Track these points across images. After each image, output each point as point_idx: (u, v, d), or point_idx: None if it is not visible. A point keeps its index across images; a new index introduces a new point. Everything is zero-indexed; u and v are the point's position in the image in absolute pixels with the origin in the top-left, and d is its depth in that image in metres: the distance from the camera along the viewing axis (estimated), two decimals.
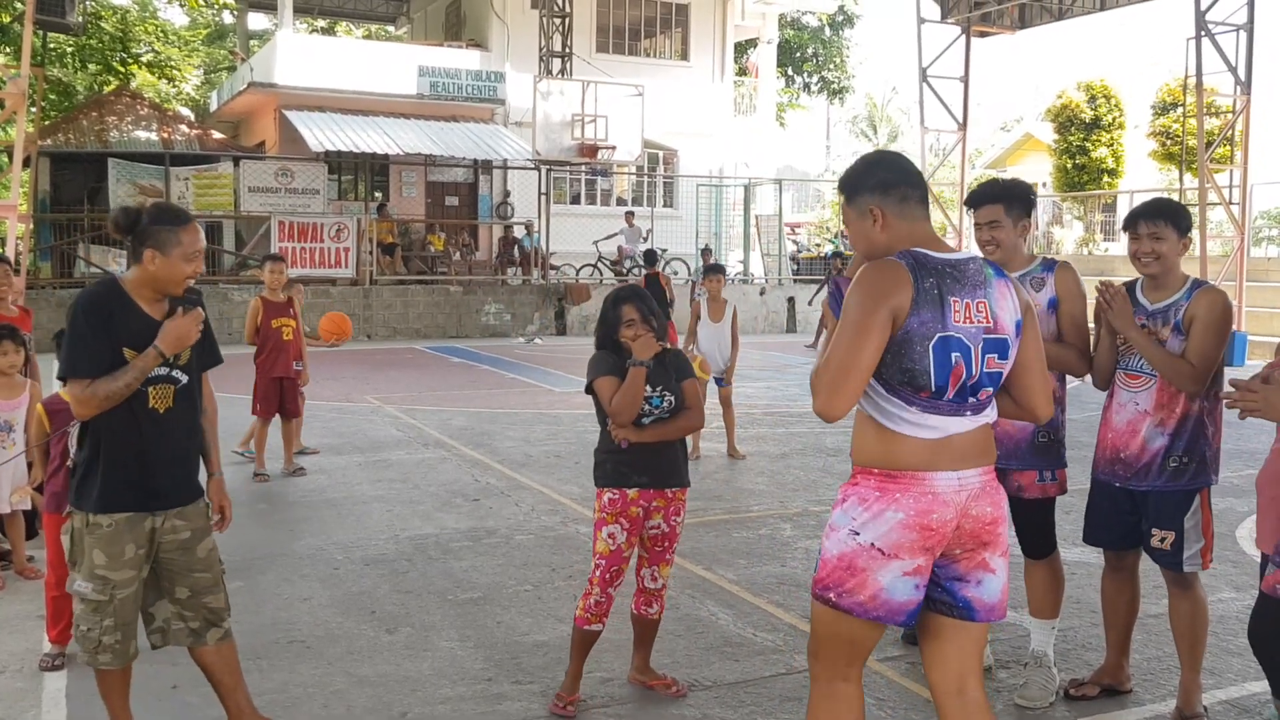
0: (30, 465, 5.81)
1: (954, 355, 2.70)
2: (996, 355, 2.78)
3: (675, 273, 24.46)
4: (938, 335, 2.68)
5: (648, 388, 4.11)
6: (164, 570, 3.66)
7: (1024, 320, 2.87)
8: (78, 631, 3.60)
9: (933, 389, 2.71)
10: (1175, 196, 25.45)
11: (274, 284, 8.36)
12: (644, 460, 4.15)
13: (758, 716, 4.13)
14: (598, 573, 4.15)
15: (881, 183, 2.84)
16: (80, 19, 15.99)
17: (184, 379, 3.62)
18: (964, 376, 2.72)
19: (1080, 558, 5.19)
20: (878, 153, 3.01)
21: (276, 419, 8.46)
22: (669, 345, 4.30)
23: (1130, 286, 4.13)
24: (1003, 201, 4.18)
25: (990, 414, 2.85)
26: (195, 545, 3.68)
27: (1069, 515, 4.37)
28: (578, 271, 23.47)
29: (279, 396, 8.34)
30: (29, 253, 19.65)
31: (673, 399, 4.18)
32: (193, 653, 3.77)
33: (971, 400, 2.78)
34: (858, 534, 2.74)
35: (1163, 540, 4.00)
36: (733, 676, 4.50)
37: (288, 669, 4.54)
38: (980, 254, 2.91)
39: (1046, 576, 4.33)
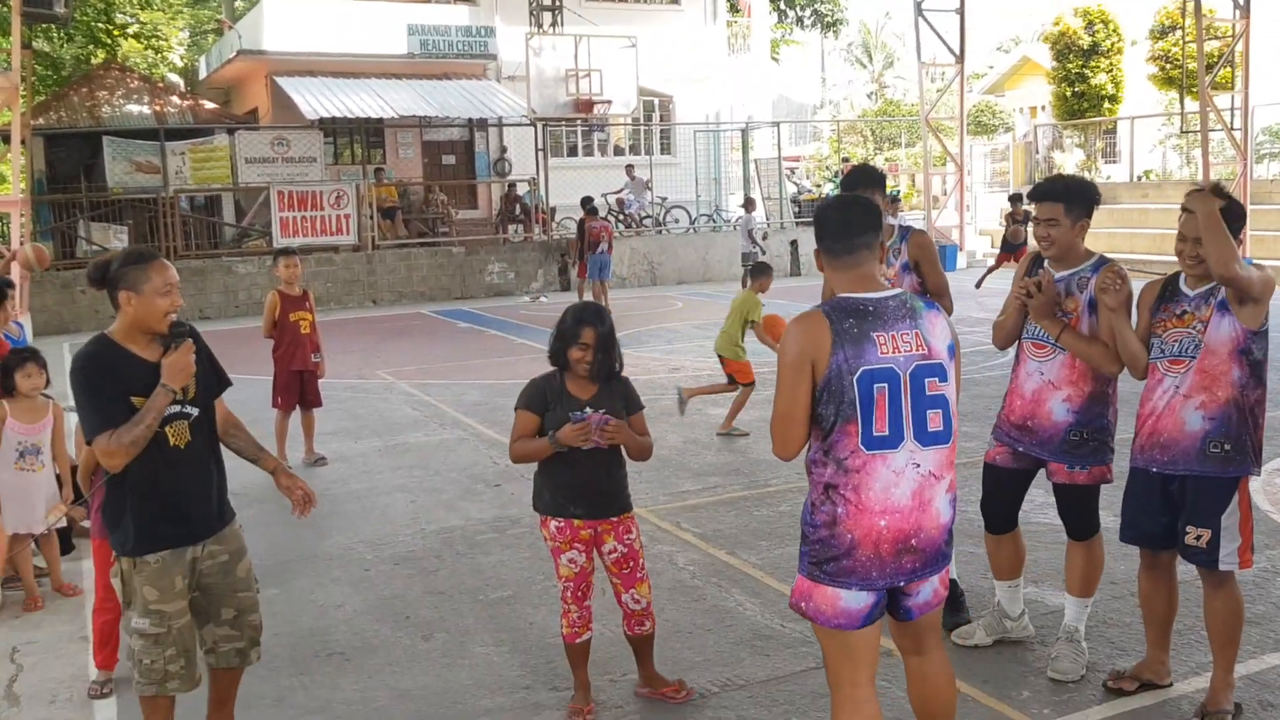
0: (60, 484, 5.92)
1: (877, 386, 3.01)
2: (937, 379, 3.09)
3: (676, 220, 24.41)
4: (861, 369, 3.01)
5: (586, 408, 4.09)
6: (209, 595, 3.78)
7: (954, 348, 3.18)
8: (140, 666, 3.68)
9: (859, 425, 3.01)
10: (1176, 121, 25.19)
11: (289, 278, 8.39)
12: (577, 492, 4.13)
13: (792, 716, 4.22)
14: (568, 593, 4.20)
15: (830, 246, 3.17)
16: (66, 8, 15.72)
17: (194, 412, 3.71)
18: (889, 404, 3.02)
19: (1104, 523, 5.23)
20: (845, 201, 3.30)
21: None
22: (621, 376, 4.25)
23: (1175, 279, 4.12)
24: (1063, 200, 4.28)
25: (946, 440, 3.10)
26: (235, 566, 3.82)
27: (1104, 488, 4.46)
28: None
29: (299, 389, 8.42)
30: (30, 236, 19.61)
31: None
32: (210, 668, 3.89)
33: (916, 428, 3.05)
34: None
35: (1198, 538, 3.93)
36: (764, 673, 4.59)
37: (330, 685, 4.66)
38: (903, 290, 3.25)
39: (1084, 557, 4.44)
